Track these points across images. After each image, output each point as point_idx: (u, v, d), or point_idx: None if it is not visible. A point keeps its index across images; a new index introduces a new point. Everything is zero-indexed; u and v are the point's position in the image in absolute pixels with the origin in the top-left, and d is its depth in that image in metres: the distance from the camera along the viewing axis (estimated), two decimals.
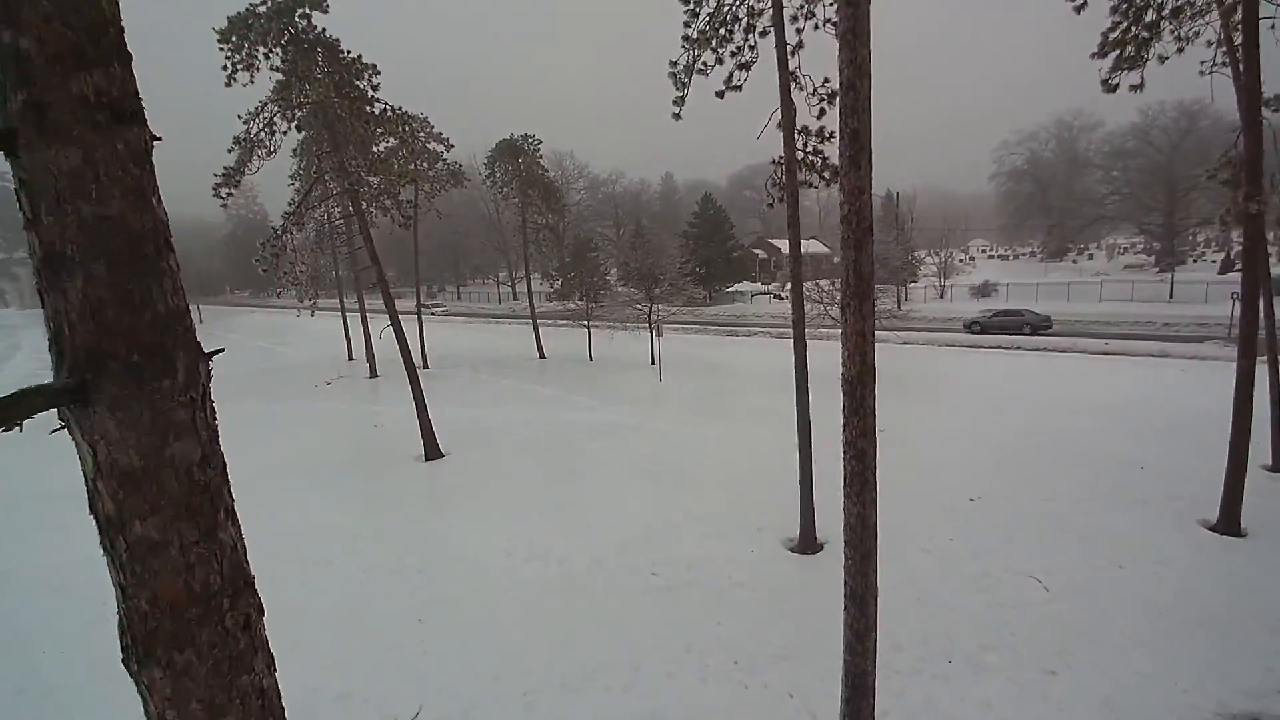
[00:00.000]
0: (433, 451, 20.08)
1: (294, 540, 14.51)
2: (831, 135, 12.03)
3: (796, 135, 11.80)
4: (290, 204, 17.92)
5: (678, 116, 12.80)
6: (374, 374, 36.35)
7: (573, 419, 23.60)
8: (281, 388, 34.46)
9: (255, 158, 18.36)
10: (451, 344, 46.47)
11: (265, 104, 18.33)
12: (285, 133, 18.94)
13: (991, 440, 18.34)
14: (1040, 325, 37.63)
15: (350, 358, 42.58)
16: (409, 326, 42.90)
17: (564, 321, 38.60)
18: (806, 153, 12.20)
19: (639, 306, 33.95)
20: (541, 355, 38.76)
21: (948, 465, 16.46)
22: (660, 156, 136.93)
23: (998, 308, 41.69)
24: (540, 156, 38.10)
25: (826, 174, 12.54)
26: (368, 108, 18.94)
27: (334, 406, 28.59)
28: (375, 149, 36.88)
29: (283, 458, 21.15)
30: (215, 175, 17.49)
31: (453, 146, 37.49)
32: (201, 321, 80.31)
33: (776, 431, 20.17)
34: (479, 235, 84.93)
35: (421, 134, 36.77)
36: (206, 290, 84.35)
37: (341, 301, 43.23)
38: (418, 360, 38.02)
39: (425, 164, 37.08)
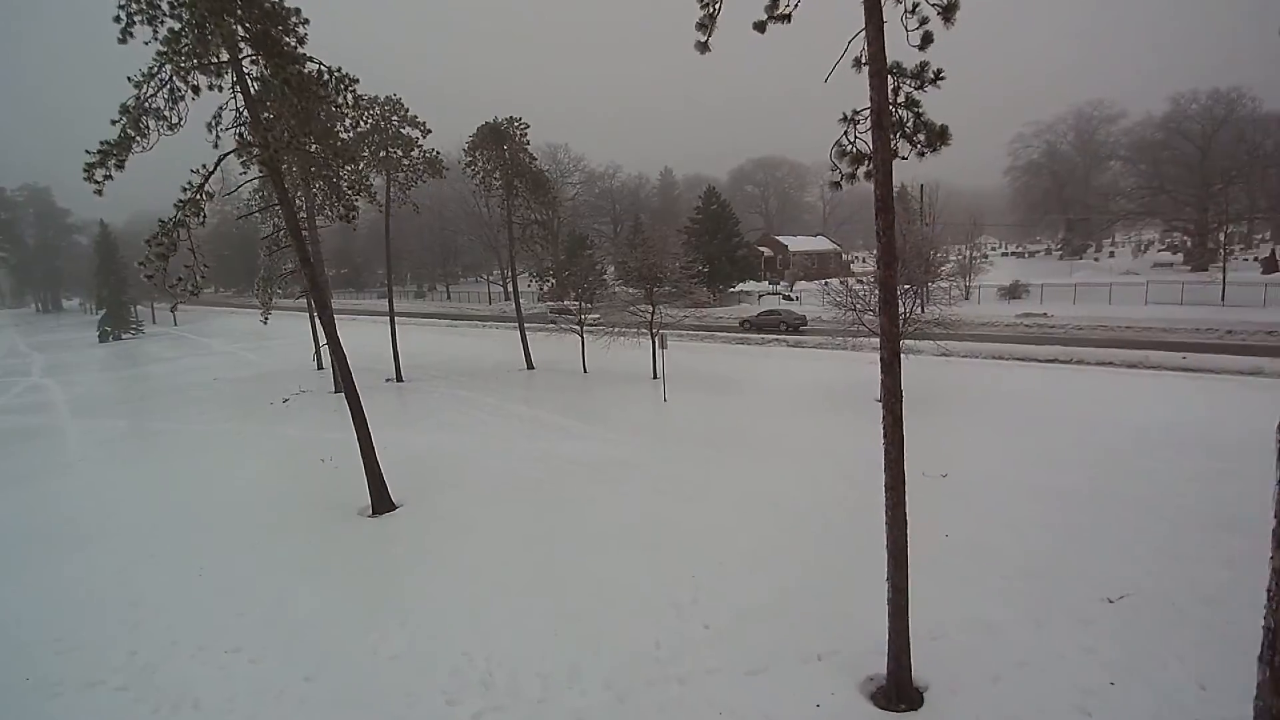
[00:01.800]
0: (381, 503, 15.99)
1: (164, 655, 10.42)
2: (939, 76, 7.94)
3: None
4: (186, 187, 13.88)
5: (704, 46, 8.65)
6: (339, 389, 32.15)
7: (560, 452, 19.50)
8: (235, 404, 30.36)
9: (153, 131, 14.23)
10: (431, 351, 42.35)
11: (162, 63, 14.20)
12: (194, 99, 14.84)
13: (1095, 494, 14.25)
14: (796, 324, 42.93)
15: (320, 367, 38.43)
16: (381, 331, 39.07)
17: (553, 326, 34.38)
18: (896, 104, 8.12)
19: (638, 310, 29.84)
20: (529, 365, 34.62)
21: (1050, 534, 12.41)
22: (658, 151, 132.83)
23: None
24: (527, 142, 33.92)
25: (920, 137, 8.45)
26: (294, 66, 14.80)
27: (284, 431, 24.46)
28: (343, 134, 33.07)
29: (202, 504, 17.10)
30: (88, 153, 13.42)
31: (429, 132, 33.34)
32: (175, 324, 75.99)
33: (815, 475, 16.16)
34: (469, 231, 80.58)
35: (395, 117, 32.77)
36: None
37: (309, 303, 38.97)
38: (390, 372, 33.99)
39: (398, 151, 32.99)
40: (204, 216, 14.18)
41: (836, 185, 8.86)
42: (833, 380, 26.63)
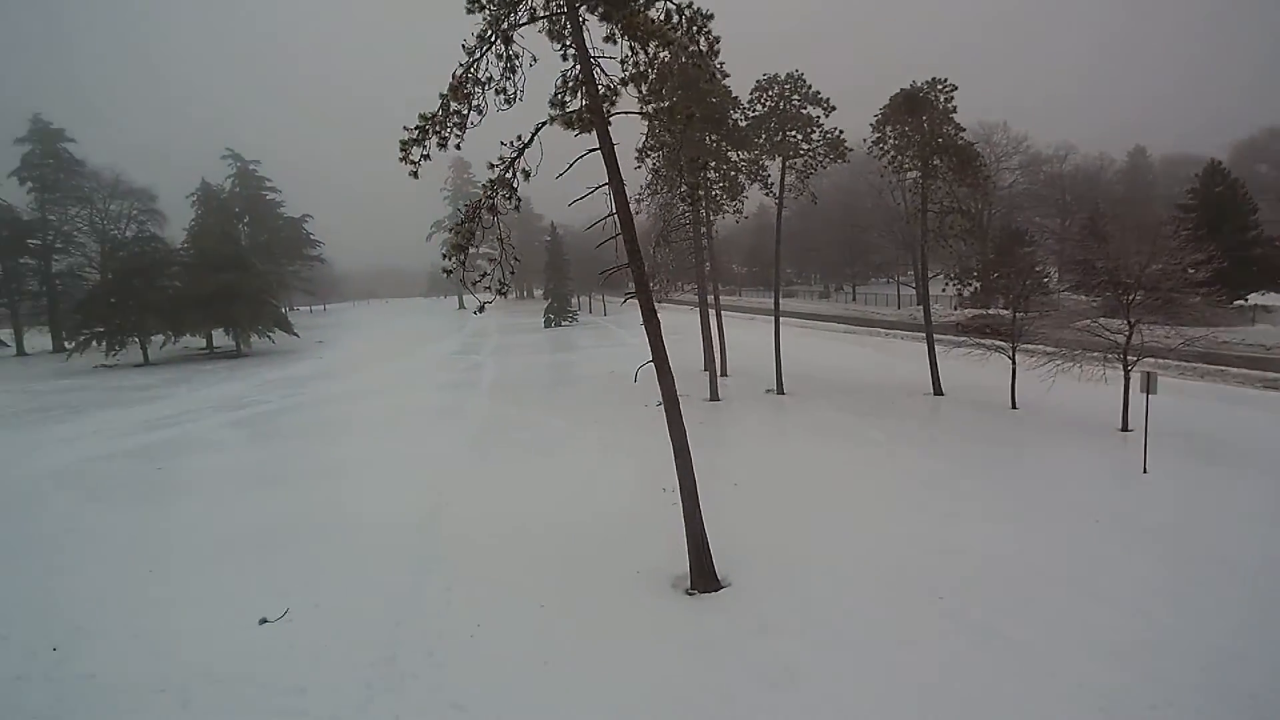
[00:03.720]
0: (702, 577, 11.98)
1: None
2: None
3: None
4: (497, 164, 11.44)
5: None
6: (714, 396, 29.59)
7: (969, 543, 13.28)
8: (613, 401, 29.48)
9: (488, 105, 12.19)
10: (822, 360, 37.79)
11: (492, 23, 12.03)
12: (533, 64, 12.51)
13: None
14: None
15: (704, 369, 36.61)
16: (761, 331, 35.61)
17: (973, 342, 26.86)
18: None
19: (1105, 326, 21.04)
20: (937, 390, 27.86)
21: None
22: (1122, 129, 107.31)
23: None
24: (954, 110, 26.98)
25: None
26: (633, 3, 11.47)
27: (641, 441, 22.06)
28: (737, 119, 30.28)
29: (516, 530, 15.13)
30: (406, 129, 11.82)
31: (834, 109, 28.76)
32: (605, 314, 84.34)
33: None
34: (880, 225, 73.35)
35: (795, 96, 28.89)
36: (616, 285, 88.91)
37: (702, 299, 37.12)
38: (773, 381, 30.33)
39: (797, 134, 29.02)
40: (517, 201, 11.67)
41: None
42: None
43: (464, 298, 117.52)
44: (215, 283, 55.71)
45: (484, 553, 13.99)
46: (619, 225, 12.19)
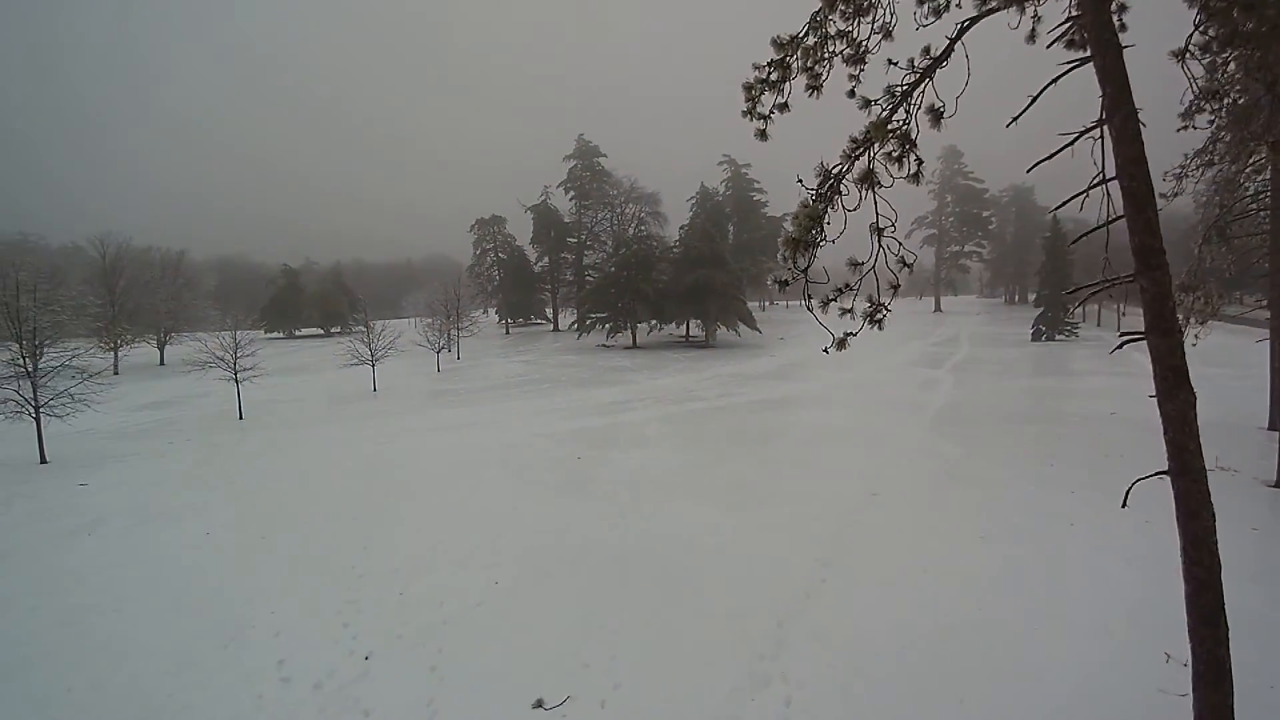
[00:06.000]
0: None
1: None
2: None
3: None
4: (878, 101, 6.37)
5: None
6: None
7: None
8: (1109, 461, 21.16)
9: (891, 19, 7.68)
10: None
11: None
12: None
13: None
14: None
15: (1272, 427, 24.45)
16: None
17: None
18: None
19: None
20: None
21: None
22: None
23: None
24: None
25: None
26: None
27: (1150, 547, 14.43)
28: None
29: (887, 661, 10.21)
30: (756, 67, 7.78)
31: None
32: (1119, 328, 67.75)
33: None
34: None
35: None
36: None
37: (1277, 317, 24.44)
38: None
39: None
40: (916, 162, 6.82)
41: None
42: None
43: (940, 299, 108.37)
44: (692, 278, 59.82)
45: (840, 687, 9.57)
46: (1123, 198, 6.41)
